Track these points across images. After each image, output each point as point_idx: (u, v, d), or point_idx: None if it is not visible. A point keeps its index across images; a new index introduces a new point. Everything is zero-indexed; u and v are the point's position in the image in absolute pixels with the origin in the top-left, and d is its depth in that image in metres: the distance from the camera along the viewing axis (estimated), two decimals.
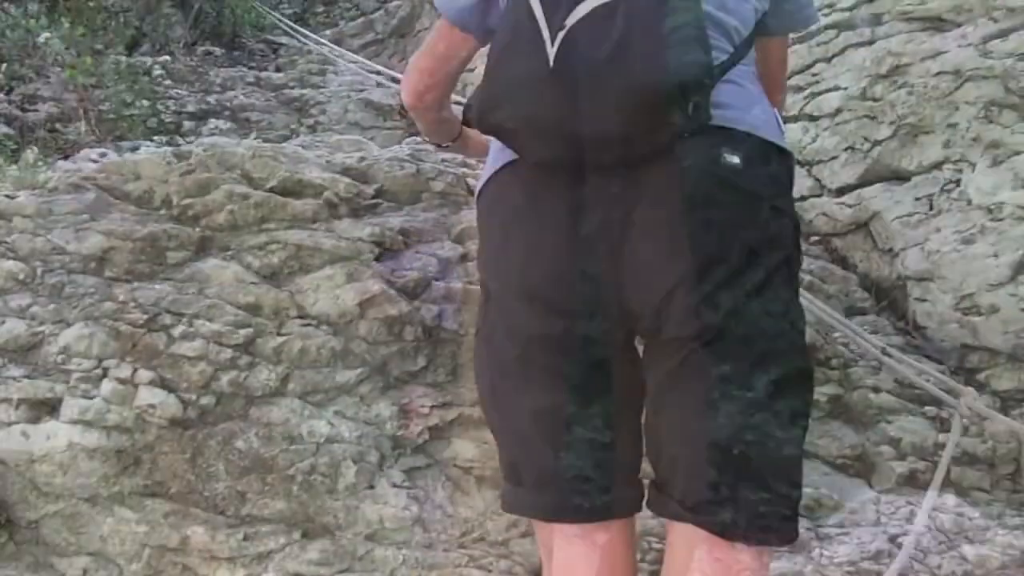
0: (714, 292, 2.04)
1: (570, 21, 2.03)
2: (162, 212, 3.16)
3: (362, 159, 3.48)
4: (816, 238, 4.11)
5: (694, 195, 2.05)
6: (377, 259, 3.11)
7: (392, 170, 3.40)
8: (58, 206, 3.09)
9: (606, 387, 2.19)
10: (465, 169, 3.76)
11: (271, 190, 3.20)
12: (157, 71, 6.73)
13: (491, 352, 2.28)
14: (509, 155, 2.18)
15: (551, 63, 2.02)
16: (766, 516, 2.05)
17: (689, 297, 2.05)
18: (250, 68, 7.49)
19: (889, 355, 3.25)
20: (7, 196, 3.23)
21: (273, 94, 6.63)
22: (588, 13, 2.03)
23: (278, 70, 7.48)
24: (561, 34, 2.02)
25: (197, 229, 3.09)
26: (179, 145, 5.49)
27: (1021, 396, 3.35)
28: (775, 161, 2.17)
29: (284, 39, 8.47)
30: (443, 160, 3.80)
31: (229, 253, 3.06)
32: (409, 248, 3.19)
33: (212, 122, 6.09)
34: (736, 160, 2.08)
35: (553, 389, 2.17)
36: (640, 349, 2.24)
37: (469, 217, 3.30)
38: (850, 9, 4.10)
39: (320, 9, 10.03)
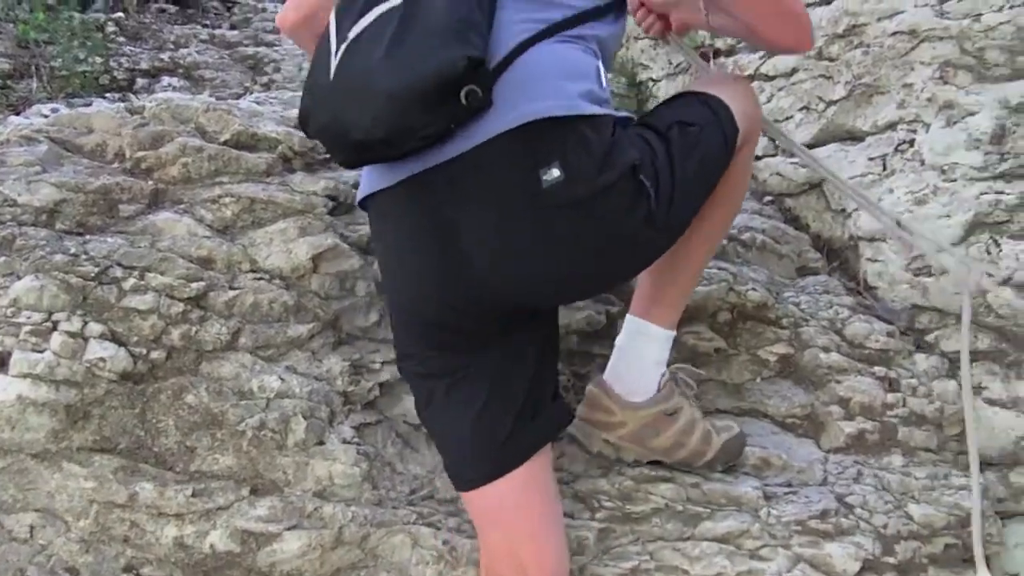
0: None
1: (353, 33, 2.27)
2: (115, 165, 3.13)
3: None
4: (769, 198, 4.12)
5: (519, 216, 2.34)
6: (331, 213, 3.10)
7: None
8: (9, 158, 3.05)
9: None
10: None
11: (225, 143, 3.17)
12: (110, 28, 6.66)
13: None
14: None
15: (331, 75, 2.27)
16: None
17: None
18: (204, 26, 7.40)
19: (902, 226, 3.25)
20: None
21: (227, 52, 6.56)
22: (371, 22, 2.26)
23: (232, 27, 7.40)
24: (344, 45, 2.27)
25: (150, 182, 3.06)
26: (131, 102, 5.48)
27: (970, 357, 3.37)
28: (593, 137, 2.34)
29: None
30: None
31: (182, 206, 3.03)
32: None
33: (165, 79, 6.03)
34: (556, 172, 2.28)
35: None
36: None
37: None
38: None
39: None
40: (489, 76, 2.25)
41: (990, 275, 3.23)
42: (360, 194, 2.59)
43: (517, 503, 2.62)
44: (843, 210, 3.80)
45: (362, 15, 2.28)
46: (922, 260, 3.45)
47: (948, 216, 3.40)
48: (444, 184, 2.33)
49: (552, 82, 2.34)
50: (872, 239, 3.62)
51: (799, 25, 2.79)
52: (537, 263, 2.38)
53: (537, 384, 2.65)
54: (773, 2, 2.70)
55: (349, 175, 3.20)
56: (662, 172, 2.45)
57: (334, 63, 2.27)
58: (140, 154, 3.11)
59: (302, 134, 3.19)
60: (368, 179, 2.53)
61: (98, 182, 2.99)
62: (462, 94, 2.17)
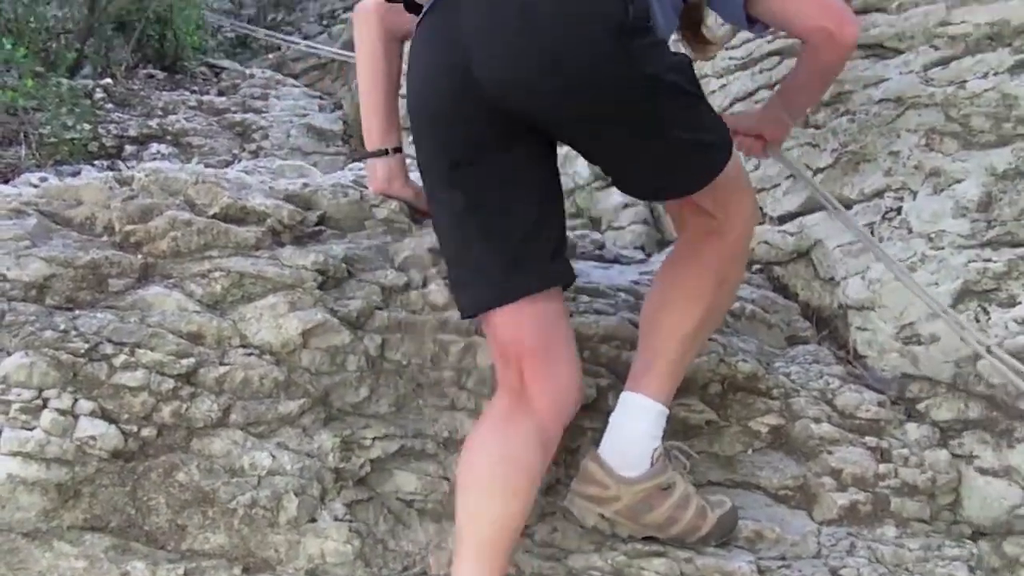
0: None
1: None
2: (104, 238, 3.12)
3: (305, 185, 3.45)
4: (758, 267, 4.12)
5: None
6: (320, 287, 3.09)
7: (336, 197, 3.38)
8: None
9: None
10: None
11: (214, 216, 3.17)
12: (99, 94, 6.70)
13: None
14: None
15: None
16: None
17: None
18: (192, 92, 7.45)
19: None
20: None
21: (215, 118, 6.60)
22: None
23: (220, 94, 7.44)
24: None
25: (139, 256, 3.05)
26: (120, 170, 5.48)
27: (960, 426, 3.38)
28: None
29: (226, 63, 8.45)
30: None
31: (172, 281, 3.02)
32: (353, 276, 3.17)
33: (154, 146, 6.07)
34: None
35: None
36: None
37: (412, 245, 3.31)
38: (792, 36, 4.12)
39: (260, 34, 10.04)
40: None
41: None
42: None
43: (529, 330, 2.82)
44: (832, 278, 3.80)
45: None
46: (912, 328, 3.45)
47: (936, 284, 3.40)
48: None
49: None
50: (861, 308, 3.62)
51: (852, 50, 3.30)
52: (520, 37, 2.59)
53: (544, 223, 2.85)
54: (839, 69, 3.40)
55: (338, 249, 3.20)
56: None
57: None
58: (129, 227, 3.10)
59: (291, 207, 3.21)
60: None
61: (88, 256, 2.97)
62: None
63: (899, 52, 3.77)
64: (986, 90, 3.49)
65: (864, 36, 3.81)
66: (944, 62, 3.64)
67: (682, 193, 2.94)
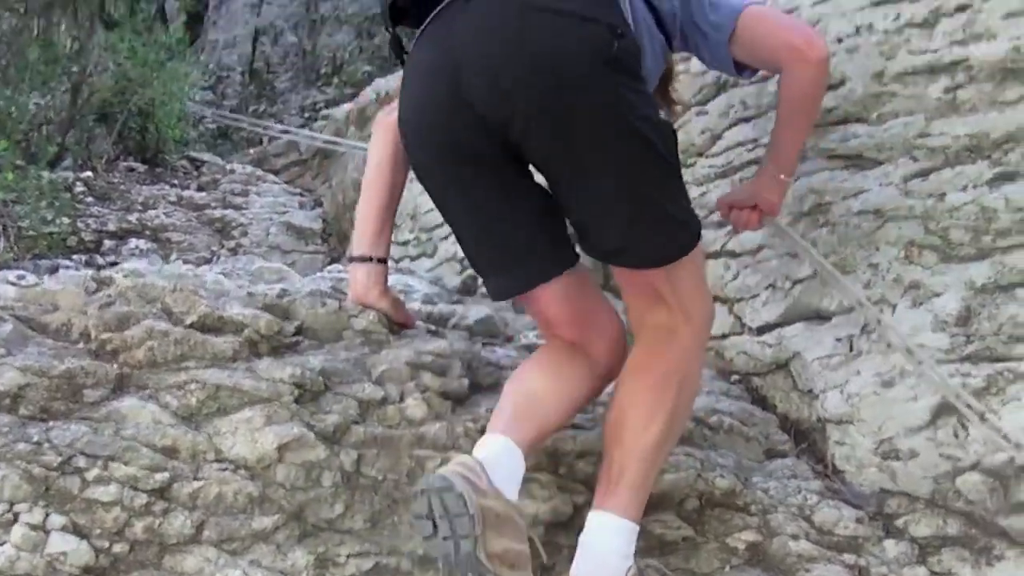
0: None
1: None
2: (80, 345, 3.10)
3: (283, 292, 3.45)
4: (736, 377, 4.12)
5: None
6: (297, 401, 3.07)
7: (314, 307, 3.38)
8: None
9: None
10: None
11: (191, 326, 3.16)
12: (79, 187, 6.71)
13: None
14: None
15: None
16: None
17: None
18: (172, 186, 7.48)
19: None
20: None
21: (195, 214, 6.62)
22: None
23: (200, 189, 7.47)
24: None
25: (115, 366, 3.04)
26: (99, 266, 5.47)
27: (939, 543, 3.35)
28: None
29: (207, 156, 8.49)
30: None
31: (147, 392, 3.00)
32: (330, 390, 3.16)
33: (133, 242, 6.07)
34: None
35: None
36: None
37: (390, 358, 3.31)
38: None
39: (244, 127, 10.10)
40: None
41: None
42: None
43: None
44: (810, 391, 3.79)
45: None
46: (890, 443, 3.44)
47: (915, 399, 3.41)
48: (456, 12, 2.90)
49: None
50: (840, 421, 3.61)
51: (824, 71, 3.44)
52: (510, 44, 2.81)
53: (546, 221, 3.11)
54: (816, 97, 3.50)
55: (315, 361, 3.19)
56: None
57: None
58: (106, 335, 3.09)
59: (269, 316, 3.20)
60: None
61: (63, 366, 2.95)
62: None
63: (879, 163, 3.78)
64: (965, 203, 3.50)
65: (843, 147, 3.83)
66: (924, 174, 3.65)
67: (643, 262, 3.04)
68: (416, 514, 2.63)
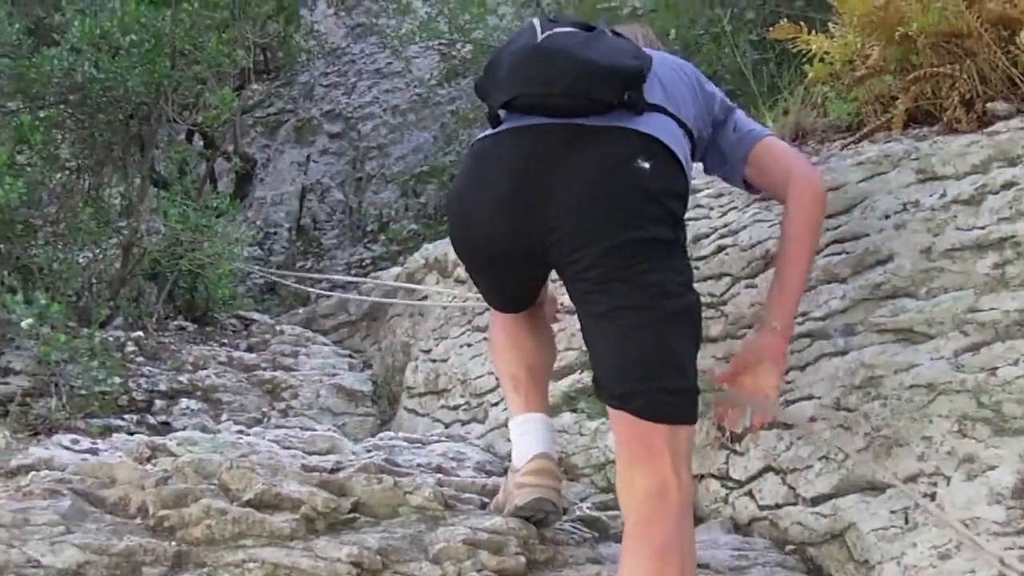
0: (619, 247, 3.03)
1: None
2: (138, 522, 3.14)
3: (338, 466, 3.48)
4: (791, 547, 4.08)
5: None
6: None
7: (370, 483, 3.40)
8: (33, 515, 3.06)
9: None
10: (440, 475, 3.77)
11: (248, 503, 3.19)
12: (130, 347, 6.76)
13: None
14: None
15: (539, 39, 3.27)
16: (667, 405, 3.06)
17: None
18: (222, 345, 7.53)
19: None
20: None
21: (245, 375, 6.66)
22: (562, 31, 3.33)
23: (250, 349, 7.52)
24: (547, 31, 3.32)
25: (173, 543, 3.06)
26: (150, 425, 5.52)
27: None
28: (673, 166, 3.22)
29: (256, 315, 8.57)
30: (419, 465, 3.82)
31: (205, 571, 3.01)
32: (387, 568, 3.15)
33: (184, 401, 6.11)
34: (646, 166, 3.11)
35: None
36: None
37: (446, 536, 3.31)
38: (823, 319, 4.15)
39: (291, 280, 10.20)
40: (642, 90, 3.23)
41: None
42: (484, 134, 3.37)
43: None
44: (866, 562, 3.76)
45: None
46: None
47: (973, 572, 3.37)
48: (566, 135, 3.15)
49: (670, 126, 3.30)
50: None
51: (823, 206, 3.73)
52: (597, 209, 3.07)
53: None
54: (816, 225, 3.71)
55: (372, 539, 3.19)
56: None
57: (540, 36, 3.29)
58: (163, 512, 3.12)
59: (325, 494, 3.22)
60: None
61: (122, 544, 2.98)
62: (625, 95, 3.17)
63: (929, 337, 3.78)
64: (1017, 377, 3.49)
65: (893, 321, 3.84)
66: (975, 348, 3.65)
67: (650, 412, 3.07)
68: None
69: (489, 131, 3.32)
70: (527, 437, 3.53)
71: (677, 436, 3.05)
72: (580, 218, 3.06)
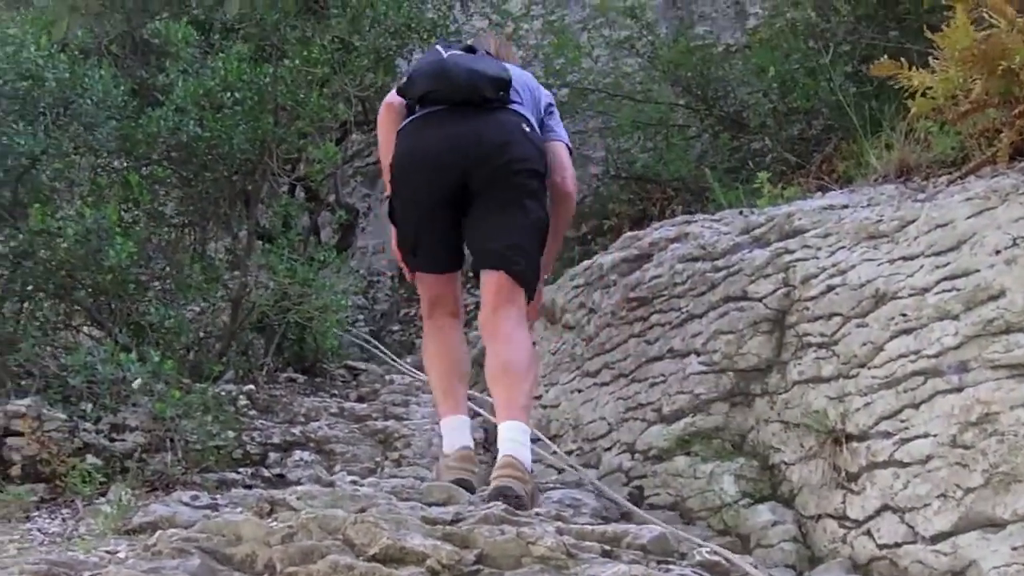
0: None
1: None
2: None
3: (458, 516, 3.49)
4: None
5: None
6: None
7: (492, 535, 3.41)
8: (165, 574, 3.10)
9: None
10: (560, 524, 3.77)
11: (374, 557, 3.21)
12: (242, 401, 6.84)
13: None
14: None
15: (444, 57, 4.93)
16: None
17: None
18: (332, 396, 7.60)
19: None
20: (108, 552, 3.26)
21: (357, 426, 6.71)
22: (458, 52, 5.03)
23: (360, 399, 7.57)
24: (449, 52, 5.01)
25: None
26: (264, 478, 5.57)
27: None
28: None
29: (363, 364, 8.62)
30: (537, 514, 3.82)
31: None
32: None
33: (297, 453, 6.17)
34: (527, 129, 4.89)
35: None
36: None
37: None
38: (936, 356, 4.12)
39: (396, 327, 10.26)
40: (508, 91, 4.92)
41: None
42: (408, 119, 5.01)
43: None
44: None
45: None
46: None
47: None
48: (470, 113, 4.82)
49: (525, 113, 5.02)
50: None
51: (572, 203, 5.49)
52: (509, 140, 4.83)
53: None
54: (569, 216, 5.55)
55: None
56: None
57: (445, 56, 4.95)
58: (291, 569, 3.16)
59: (449, 547, 3.23)
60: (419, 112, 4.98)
61: None
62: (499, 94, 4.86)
63: None
64: None
65: (1007, 357, 3.81)
66: None
67: (523, 269, 4.88)
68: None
69: (409, 118, 4.94)
70: (455, 433, 4.88)
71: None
72: (500, 151, 4.73)
